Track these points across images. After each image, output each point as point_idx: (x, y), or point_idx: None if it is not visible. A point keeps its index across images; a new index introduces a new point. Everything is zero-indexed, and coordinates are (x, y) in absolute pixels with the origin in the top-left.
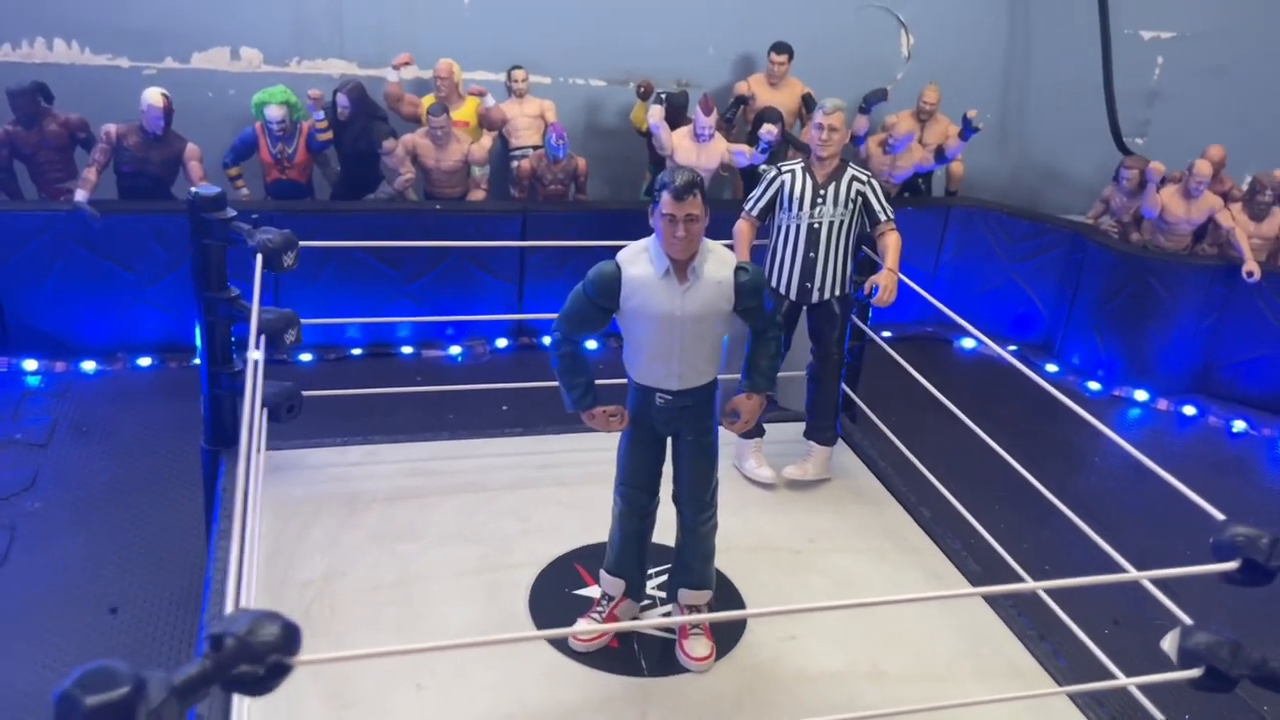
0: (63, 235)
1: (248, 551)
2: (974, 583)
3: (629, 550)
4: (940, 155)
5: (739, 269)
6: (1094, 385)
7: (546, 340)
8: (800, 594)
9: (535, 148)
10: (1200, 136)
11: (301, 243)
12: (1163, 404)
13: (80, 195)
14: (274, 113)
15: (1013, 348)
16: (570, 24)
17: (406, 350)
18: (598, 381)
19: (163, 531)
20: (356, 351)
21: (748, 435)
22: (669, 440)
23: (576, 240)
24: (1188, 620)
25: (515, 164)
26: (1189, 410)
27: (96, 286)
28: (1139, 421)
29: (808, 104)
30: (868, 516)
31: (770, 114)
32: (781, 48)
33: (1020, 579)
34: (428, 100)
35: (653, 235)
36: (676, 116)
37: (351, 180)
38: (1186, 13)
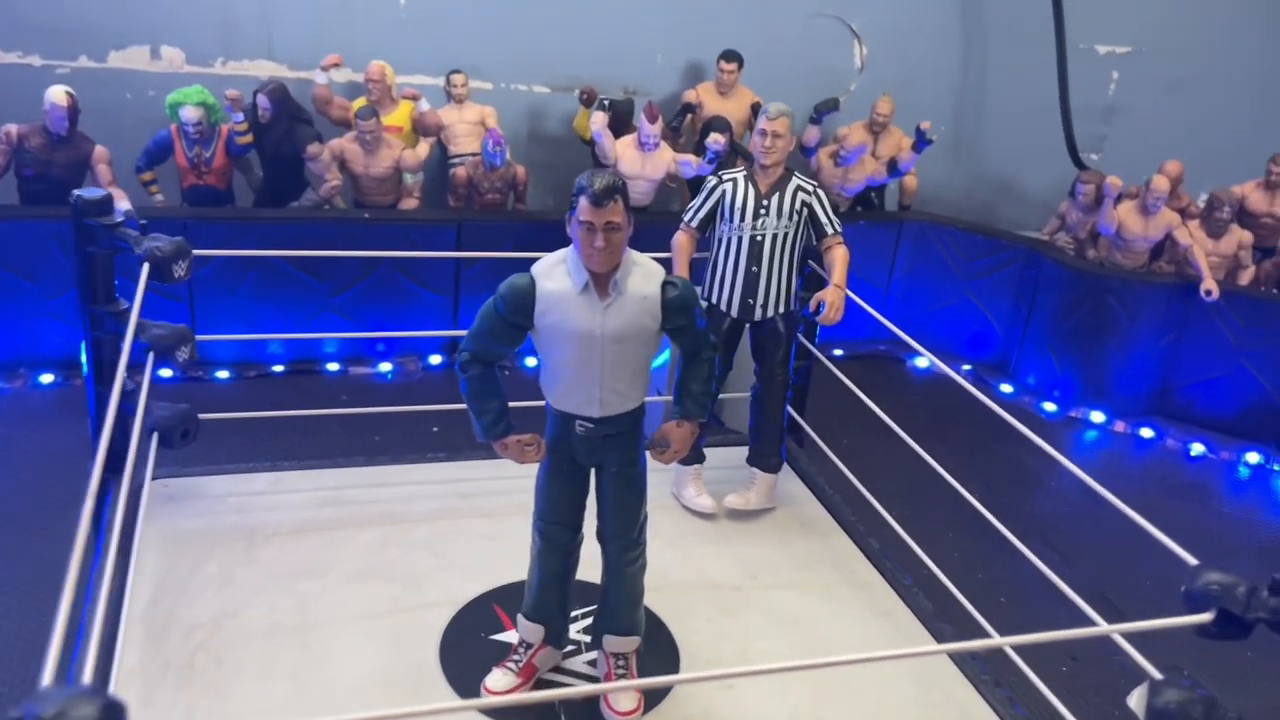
0: None
1: (128, 592)
2: (924, 620)
3: (549, 592)
4: (893, 168)
5: (667, 284)
6: (1050, 406)
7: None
8: (739, 634)
9: (475, 155)
10: (1156, 152)
11: (218, 252)
12: (1120, 426)
13: None
14: (189, 114)
15: (967, 367)
16: (513, 28)
17: (333, 367)
18: (518, 404)
19: (47, 567)
20: (279, 368)
21: (686, 461)
22: (591, 471)
23: (514, 251)
24: (1147, 666)
25: (452, 171)
26: (1146, 433)
27: None
28: (1096, 444)
29: (757, 113)
30: (814, 549)
31: (718, 123)
32: (731, 55)
33: (972, 618)
34: (358, 104)
35: (571, 246)
36: (621, 125)
37: (274, 186)
38: (1142, 27)
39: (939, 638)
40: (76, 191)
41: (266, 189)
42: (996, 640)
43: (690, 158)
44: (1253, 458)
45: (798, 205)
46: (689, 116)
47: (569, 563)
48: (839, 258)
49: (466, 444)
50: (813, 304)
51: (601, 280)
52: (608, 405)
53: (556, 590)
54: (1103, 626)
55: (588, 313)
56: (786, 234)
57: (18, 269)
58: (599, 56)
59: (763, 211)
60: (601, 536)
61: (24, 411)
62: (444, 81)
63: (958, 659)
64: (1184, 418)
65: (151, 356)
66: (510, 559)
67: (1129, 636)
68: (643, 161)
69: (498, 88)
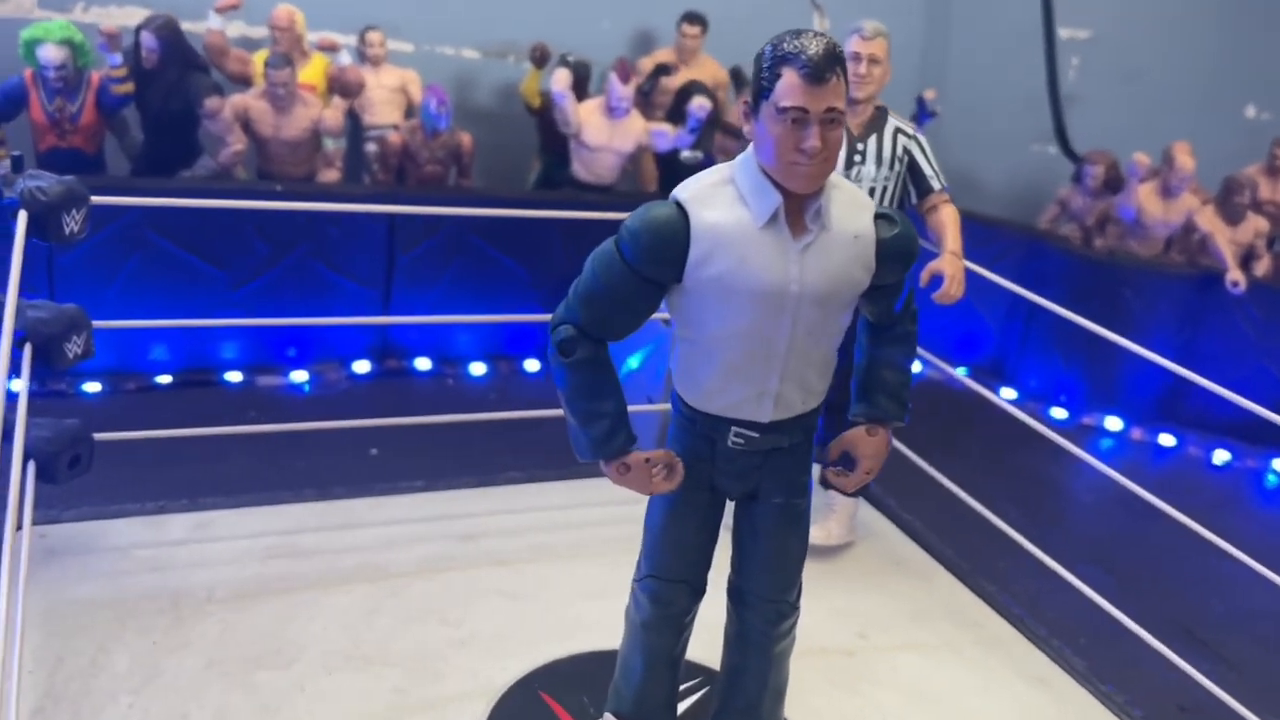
0: None
1: (1, 704)
2: (1084, 682)
3: (657, 682)
4: None
5: (882, 217)
6: (1059, 412)
7: (424, 364)
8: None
9: (394, 127)
10: (1114, 142)
11: (124, 199)
12: (1137, 433)
13: None
14: (50, 54)
15: (961, 370)
16: None
17: (233, 378)
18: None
19: None
20: (164, 379)
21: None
22: (730, 505)
23: (457, 236)
24: None
25: (371, 145)
26: (1167, 440)
27: None
28: (1113, 453)
29: (737, 80)
30: (920, 595)
31: (699, 86)
32: (695, 18)
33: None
34: (262, 55)
35: (737, 162)
36: (577, 90)
37: (159, 151)
38: (1103, 12)
39: (1113, 707)
40: None
41: (148, 154)
42: None
43: (665, 127)
44: None
45: (899, 151)
46: (661, 79)
47: (683, 639)
48: (949, 219)
49: (433, 468)
50: (924, 276)
51: (796, 209)
52: (785, 404)
53: (665, 679)
54: None
55: (776, 257)
56: (886, 187)
57: None
58: (537, 19)
59: (857, 159)
60: (740, 597)
61: None
62: (357, 40)
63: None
64: (1201, 423)
65: (29, 350)
66: (547, 624)
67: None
68: (611, 130)
69: (420, 50)
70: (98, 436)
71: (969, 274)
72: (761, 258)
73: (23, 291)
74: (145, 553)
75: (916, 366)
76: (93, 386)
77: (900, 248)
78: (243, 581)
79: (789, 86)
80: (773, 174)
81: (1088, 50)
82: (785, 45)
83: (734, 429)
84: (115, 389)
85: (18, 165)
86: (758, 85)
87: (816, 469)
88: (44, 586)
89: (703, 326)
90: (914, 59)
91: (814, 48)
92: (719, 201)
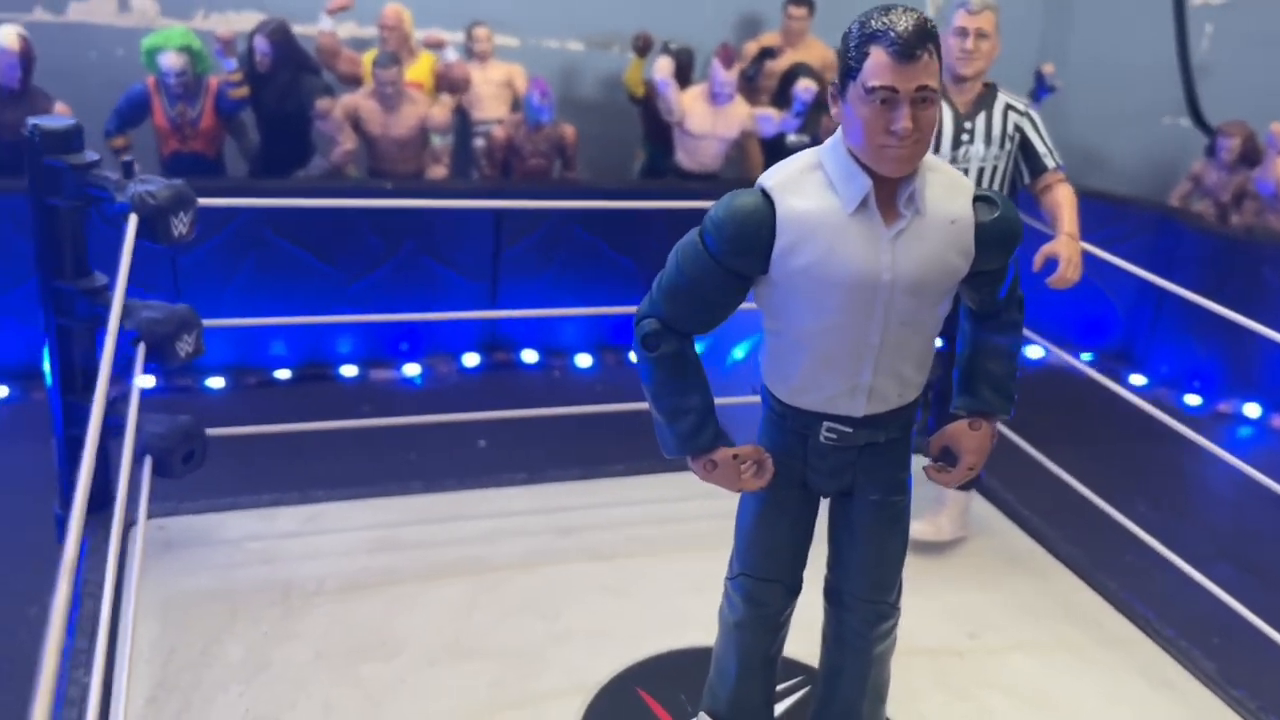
0: None
1: (120, 689)
2: (1215, 688)
3: (751, 683)
4: None
5: (982, 200)
6: (1192, 399)
7: (530, 357)
8: None
9: (501, 120)
10: (1250, 113)
11: (223, 201)
12: (1278, 420)
13: None
14: (171, 61)
15: (1086, 356)
16: None
17: (349, 372)
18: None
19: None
20: (283, 374)
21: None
22: (824, 501)
23: (561, 228)
24: None
25: (479, 140)
26: None
27: None
28: (1251, 442)
29: None
30: (1036, 593)
31: (804, 68)
32: None
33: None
34: (371, 55)
35: (826, 145)
36: (681, 78)
37: (274, 152)
38: None
39: (1246, 713)
40: (33, 120)
41: (264, 155)
42: None
43: (770, 112)
44: None
45: (1009, 129)
46: (766, 62)
47: (779, 638)
48: (1065, 199)
49: (538, 459)
50: (1038, 260)
51: (887, 193)
52: (879, 398)
53: (761, 679)
54: None
55: (866, 245)
56: (996, 167)
57: None
58: (639, 7)
59: (965, 138)
60: (837, 597)
61: None
62: (464, 36)
63: None
64: None
65: (142, 350)
66: (646, 619)
67: None
68: (714, 117)
69: (525, 44)
70: (211, 432)
71: (1092, 255)
72: (851, 246)
73: (141, 291)
74: (257, 545)
75: (1038, 352)
76: (216, 382)
77: (1001, 231)
78: (350, 574)
79: (877, 65)
80: (862, 157)
81: (1221, 15)
82: (873, 22)
83: (826, 424)
84: (237, 384)
85: (128, 171)
86: (845, 65)
87: (922, 461)
88: (161, 578)
89: (791, 319)
90: (1035, 27)
91: (903, 24)
92: (807, 188)
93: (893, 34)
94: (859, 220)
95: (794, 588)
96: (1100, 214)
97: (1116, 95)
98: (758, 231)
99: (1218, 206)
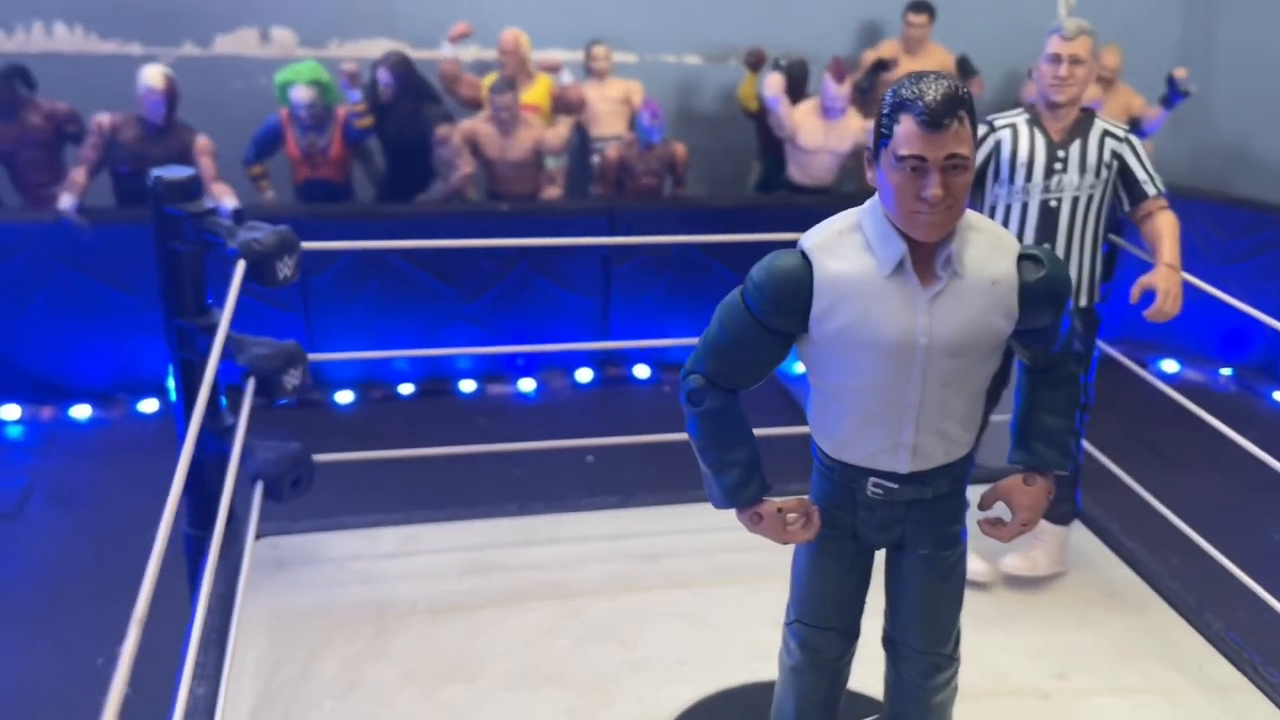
0: (46, 252)
1: (221, 698)
2: None
3: None
4: (1136, 130)
5: (1026, 258)
6: None
7: (642, 372)
8: None
9: (619, 138)
10: None
11: (328, 244)
12: None
13: (66, 202)
14: (301, 94)
15: (1226, 371)
16: None
17: (467, 387)
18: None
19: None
20: (406, 389)
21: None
22: (878, 553)
23: (675, 243)
24: None
25: (597, 157)
26: None
27: (89, 313)
28: None
29: (964, 70)
30: (1133, 632)
31: None
32: (921, 6)
33: None
34: (490, 79)
35: (866, 206)
36: (795, 91)
37: (398, 177)
38: None
39: None
40: (156, 172)
41: (390, 180)
42: None
43: None
44: None
45: (1106, 157)
46: (880, 75)
47: (837, 685)
48: (1166, 227)
49: (636, 479)
50: (1135, 291)
51: (925, 256)
52: (924, 455)
53: None
54: None
55: (903, 308)
56: (1091, 196)
57: (113, 279)
58: (756, 19)
59: (1058, 167)
60: (893, 647)
61: (121, 446)
62: (583, 55)
63: None
64: None
65: (252, 384)
66: (725, 649)
67: None
68: (826, 131)
69: (643, 60)
70: (317, 458)
71: (1250, 266)
72: (886, 309)
73: (274, 310)
74: (359, 565)
75: (1173, 366)
76: (345, 397)
77: (1048, 290)
78: (440, 595)
79: (906, 134)
80: (896, 222)
81: None
82: (903, 90)
83: (872, 480)
84: (364, 398)
85: (239, 218)
86: (878, 132)
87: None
88: (270, 595)
89: (830, 377)
90: (1176, 20)
91: (932, 93)
92: (845, 250)
93: (921, 104)
94: (895, 283)
95: (850, 634)
96: (1242, 221)
97: (1265, 91)
98: (795, 293)
99: None
